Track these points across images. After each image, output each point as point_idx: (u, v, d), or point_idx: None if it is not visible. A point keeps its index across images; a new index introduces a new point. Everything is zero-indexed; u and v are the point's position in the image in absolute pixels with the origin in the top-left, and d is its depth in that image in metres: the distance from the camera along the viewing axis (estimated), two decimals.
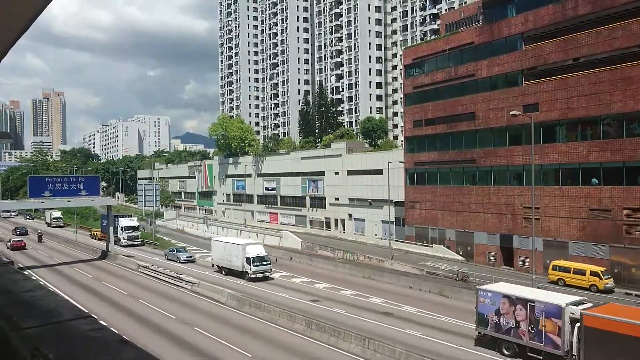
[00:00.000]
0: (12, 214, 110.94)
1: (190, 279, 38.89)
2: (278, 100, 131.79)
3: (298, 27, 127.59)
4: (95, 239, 71.52)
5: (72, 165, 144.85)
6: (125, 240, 63.98)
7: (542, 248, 43.21)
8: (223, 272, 45.00)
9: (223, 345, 24.91)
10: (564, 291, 35.66)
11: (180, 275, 40.34)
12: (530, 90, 44.65)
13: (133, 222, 67.40)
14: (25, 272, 41.69)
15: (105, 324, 26.41)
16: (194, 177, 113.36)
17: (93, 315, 2.48)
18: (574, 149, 41.48)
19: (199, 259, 54.72)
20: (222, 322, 29.18)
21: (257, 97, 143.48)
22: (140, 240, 66.02)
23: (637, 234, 37.44)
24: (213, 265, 47.17)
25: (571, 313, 22.12)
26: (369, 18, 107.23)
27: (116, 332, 2.20)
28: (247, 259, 42.12)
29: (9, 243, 63.28)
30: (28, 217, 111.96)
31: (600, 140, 39.94)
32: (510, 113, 37.10)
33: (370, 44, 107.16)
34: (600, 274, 36.83)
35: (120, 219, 66.39)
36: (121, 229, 64.54)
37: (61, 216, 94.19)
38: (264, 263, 42.39)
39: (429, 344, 25.06)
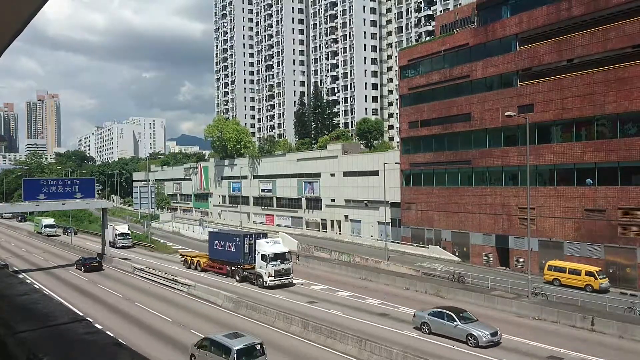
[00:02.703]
0: (55, 230, 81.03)
1: (186, 282, 38.78)
2: (274, 102, 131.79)
3: (293, 29, 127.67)
4: (197, 268, 47.67)
5: (67, 167, 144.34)
6: None
7: (537, 248, 43.37)
8: None
9: None
10: (560, 291, 35.88)
11: (176, 278, 40.25)
12: (525, 91, 44.83)
13: None
14: (20, 276, 41.49)
15: (100, 327, 26.05)
16: (190, 179, 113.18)
17: (88, 318, 2.48)
18: (568, 149, 41.66)
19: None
20: (219, 325, 29.08)
21: (252, 99, 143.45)
22: None
23: (632, 234, 37.63)
24: None
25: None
26: (364, 20, 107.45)
27: (111, 335, 2.20)
28: None
29: None
30: (69, 231, 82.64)
31: (594, 141, 40.14)
32: (506, 114, 37.26)
33: (365, 45, 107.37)
34: (596, 274, 36.97)
35: None
36: None
37: (129, 231, 68.51)
38: None
39: (426, 345, 25.07)
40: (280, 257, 39.63)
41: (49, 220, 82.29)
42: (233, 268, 43.28)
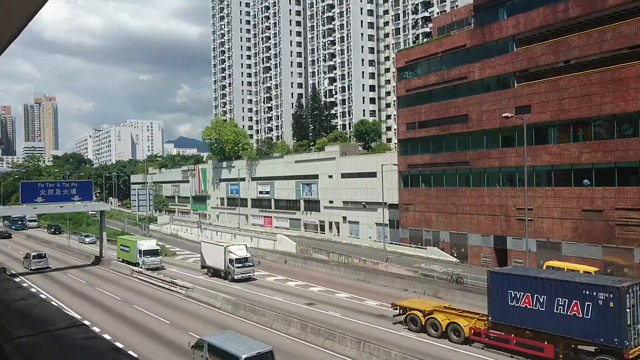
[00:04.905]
0: (156, 262, 49.35)
1: (184, 284, 38.74)
2: (271, 104, 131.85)
3: (291, 31, 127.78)
4: (447, 335, 25.68)
5: (64, 170, 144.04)
6: None
7: (535, 249, 43.42)
8: None
9: None
10: None
11: (175, 280, 40.20)
12: (522, 92, 44.93)
13: None
14: (17, 279, 41.37)
15: (98, 330, 25.93)
16: (188, 182, 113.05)
17: (86, 322, 2.48)
18: (566, 150, 41.76)
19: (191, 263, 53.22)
20: (218, 327, 29.05)
21: (250, 101, 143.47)
22: None
23: (629, 234, 37.71)
24: None
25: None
26: (362, 21, 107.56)
27: (109, 339, 2.20)
28: None
29: None
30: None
31: (591, 142, 40.23)
32: (503, 115, 37.36)
33: (363, 47, 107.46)
34: (593, 275, 36.96)
35: None
36: None
37: (249, 254, 44.73)
38: None
39: (425, 346, 25.08)
40: None
41: (150, 243, 50.19)
42: (583, 350, 22.15)
